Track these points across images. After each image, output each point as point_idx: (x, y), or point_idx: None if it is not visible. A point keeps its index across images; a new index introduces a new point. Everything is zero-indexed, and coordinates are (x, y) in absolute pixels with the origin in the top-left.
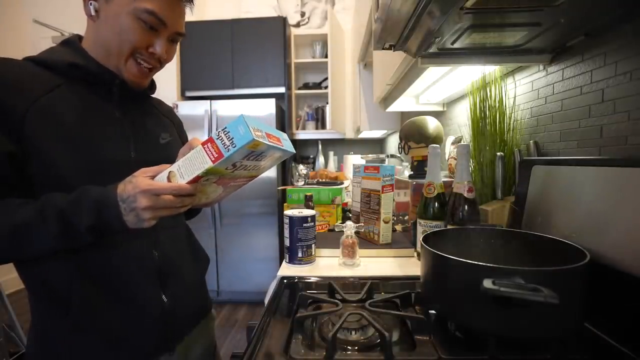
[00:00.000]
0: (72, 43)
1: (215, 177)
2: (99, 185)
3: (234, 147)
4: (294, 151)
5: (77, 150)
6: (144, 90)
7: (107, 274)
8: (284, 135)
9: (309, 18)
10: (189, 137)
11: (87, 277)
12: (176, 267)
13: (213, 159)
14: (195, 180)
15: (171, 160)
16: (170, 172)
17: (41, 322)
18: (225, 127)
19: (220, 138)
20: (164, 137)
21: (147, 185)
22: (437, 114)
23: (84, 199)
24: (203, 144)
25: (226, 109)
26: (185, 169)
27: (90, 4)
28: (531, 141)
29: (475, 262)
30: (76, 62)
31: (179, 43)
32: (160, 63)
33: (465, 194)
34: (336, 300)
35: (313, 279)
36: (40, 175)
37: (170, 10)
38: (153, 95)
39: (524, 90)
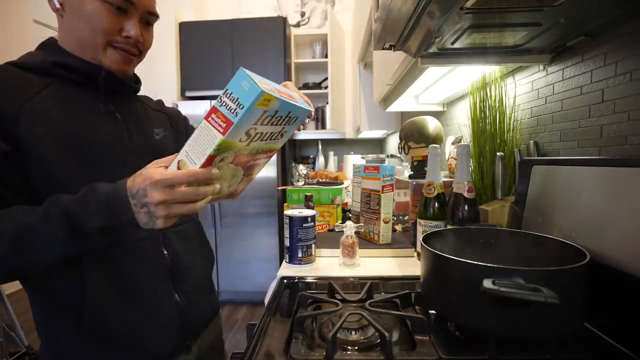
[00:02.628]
0: (49, 44)
1: (231, 156)
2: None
3: (242, 108)
4: (311, 109)
5: (72, 149)
6: (129, 85)
7: (117, 278)
8: (296, 94)
9: (309, 18)
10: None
11: (97, 284)
12: (187, 265)
13: (222, 130)
14: (208, 163)
15: (168, 155)
16: (179, 161)
17: (53, 337)
18: (227, 89)
19: (224, 104)
20: (157, 132)
21: (159, 176)
22: (437, 114)
23: (92, 197)
24: (206, 117)
25: None
26: (194, 152)
27: None
28: (531, 141)
29: (475, 262)
30: (59, 61)
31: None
32: (139, 50)
33: (465, 194)
34: (336, 300)
35: (313, 279)
36: (43, 182)
37: None
38: (140, 94)
39: (524, 90)
